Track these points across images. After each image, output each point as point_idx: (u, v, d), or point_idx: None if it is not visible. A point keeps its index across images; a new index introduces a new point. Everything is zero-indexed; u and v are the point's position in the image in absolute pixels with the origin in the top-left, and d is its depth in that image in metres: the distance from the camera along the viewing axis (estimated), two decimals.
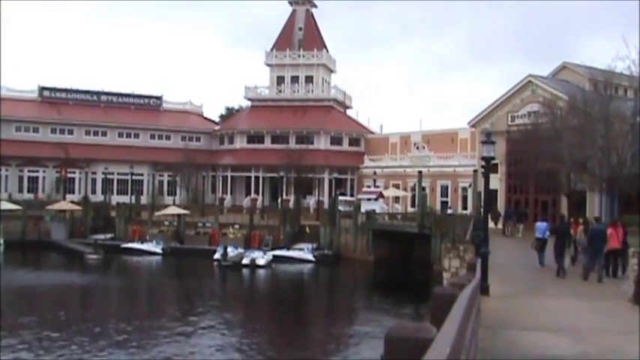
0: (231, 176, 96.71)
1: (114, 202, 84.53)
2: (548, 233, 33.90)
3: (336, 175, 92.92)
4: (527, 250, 35.36)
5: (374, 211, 70.36)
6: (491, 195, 37.86)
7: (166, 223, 76.73)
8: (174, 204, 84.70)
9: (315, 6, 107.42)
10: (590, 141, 48.33)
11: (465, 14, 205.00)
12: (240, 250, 65.56)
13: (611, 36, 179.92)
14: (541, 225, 34.63)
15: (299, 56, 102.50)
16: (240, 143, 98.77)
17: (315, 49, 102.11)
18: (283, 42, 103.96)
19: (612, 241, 29.74)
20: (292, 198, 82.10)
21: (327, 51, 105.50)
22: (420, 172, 70.06)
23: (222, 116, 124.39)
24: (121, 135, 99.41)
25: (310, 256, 66.40)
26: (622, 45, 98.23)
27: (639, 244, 30.00)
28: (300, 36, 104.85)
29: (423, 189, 71.37)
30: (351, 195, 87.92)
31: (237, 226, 73.60)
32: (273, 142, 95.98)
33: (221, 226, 74.19)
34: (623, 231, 30.99)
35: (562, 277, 29.70)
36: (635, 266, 23.27)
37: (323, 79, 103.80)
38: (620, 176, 46.16)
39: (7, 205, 74.94)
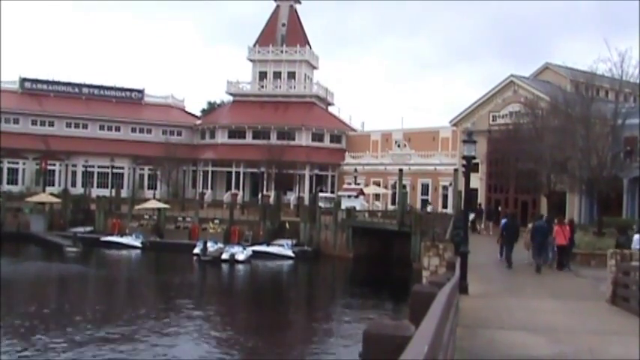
0: (212, 171, 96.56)
1: (94, 195, 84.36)
2: None
3: (316, 171, 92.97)
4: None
5: (354, 208, 70.50)
6: (471, 194, 38.30)
7: (146, 217, 76.57)
8: (154, 198, 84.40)
9: (299, 2, 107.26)
10: (571, 142, 48.44)
11: (442, 14, 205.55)
12: (220, 245, 65.44)
13: (589, 37, 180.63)
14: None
15: (282, 52, 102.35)
16: (222, 138, 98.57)
17: (298, 46, 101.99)
18: (266, 37, 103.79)
19: (558, 237, 32.62)
20: (273, 194, 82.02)
21: (310, 47, 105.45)
22: (400, 170, 70.12)
23: (204, 111, 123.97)
24: (102, 128, 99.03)
25: (290, 252, 66.35)
26: (598, 46, 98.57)
27: (615, 245, 30.85)
28: (284, 32, 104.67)
29: (404, 187, 71.52)
30: (332, 192, 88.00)
31: (217, 221, 73.48)
32: (254, 137, 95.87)
33: (201, 221, 74.03)
34: (570, 229, 33.78)
35: (509, 268, 32.44)
36: (612, 267, 23.36)
37: (305, 75, 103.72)
38: (599, 178, 46.27)
39: None
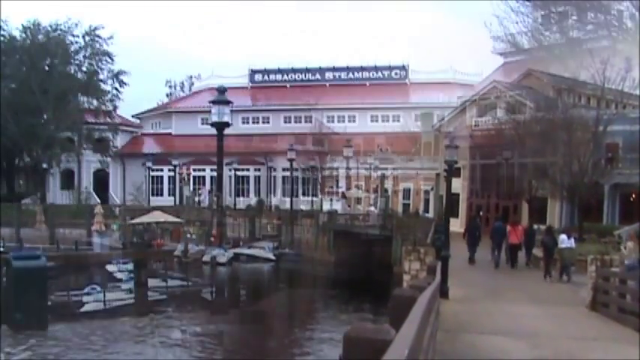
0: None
1: None
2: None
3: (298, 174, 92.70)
4: (481, 253, 37.05)
5: (336, 211, 70.41)
6: (453, 199, 38.74)
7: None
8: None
9: None
10: (552, 148, 48.66)
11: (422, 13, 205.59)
12: (201, 248, 65.22)
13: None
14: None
15: None
16: None
17: None
18: None
19: (511, 237, 35.83)
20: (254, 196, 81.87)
21: None
22: (382, 173, 70.09)
23: None
24: None
25: (271, 255, 66.14)
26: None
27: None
28: None
29: (386, 191, 71.46)
30: (314, 195, 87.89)
31: (198, 223, 73.17)
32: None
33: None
34: (523, 230, 36.80)
35: (473, 265, 36.10)
36: (592, 273, 23.46)
37: None
38: (580, 184, 46.48)
39: None
